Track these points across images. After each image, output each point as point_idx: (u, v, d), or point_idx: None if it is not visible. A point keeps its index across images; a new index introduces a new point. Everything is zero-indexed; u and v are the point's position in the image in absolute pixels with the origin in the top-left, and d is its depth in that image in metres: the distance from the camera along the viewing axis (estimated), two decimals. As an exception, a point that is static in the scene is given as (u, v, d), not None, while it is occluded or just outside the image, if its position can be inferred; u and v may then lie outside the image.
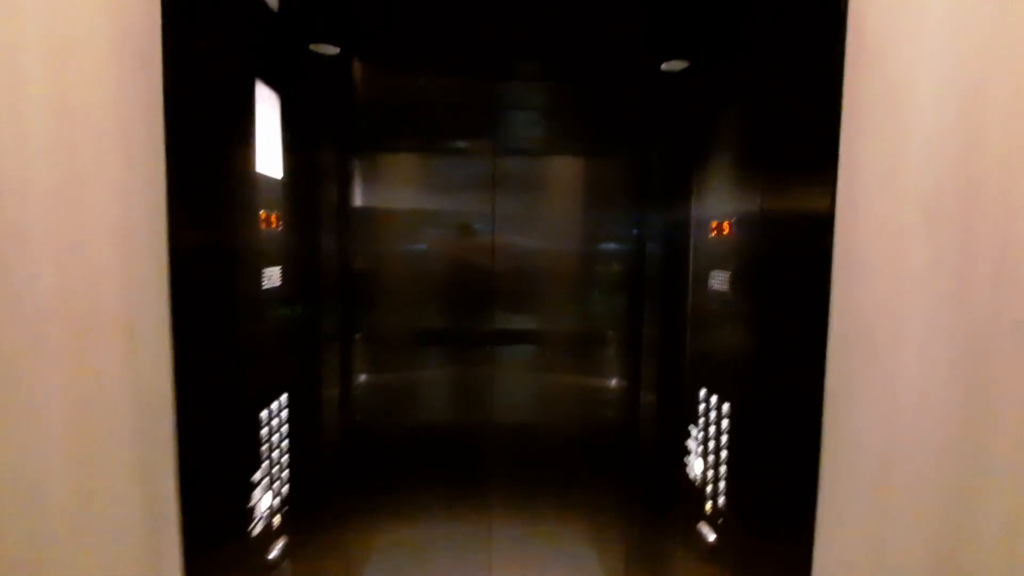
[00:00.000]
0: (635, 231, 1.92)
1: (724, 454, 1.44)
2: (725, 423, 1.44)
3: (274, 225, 1.34)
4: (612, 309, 2.00)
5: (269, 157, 1.30)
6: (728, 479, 1.43)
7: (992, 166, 0.83)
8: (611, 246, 1.99)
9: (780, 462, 1.19)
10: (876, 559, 0.96)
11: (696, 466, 1.59)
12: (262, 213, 1.27)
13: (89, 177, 0.77)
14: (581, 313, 2.02)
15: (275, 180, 1.35)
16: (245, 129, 1.17)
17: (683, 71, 1.58)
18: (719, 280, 1.48)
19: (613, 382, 2.03)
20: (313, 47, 1.44)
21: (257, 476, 1.25)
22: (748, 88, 1.37)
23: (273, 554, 1.31)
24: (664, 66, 1.55)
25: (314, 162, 1.69)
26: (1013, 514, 0.82)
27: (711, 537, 1.46)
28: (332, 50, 1.45)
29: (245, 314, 1.16)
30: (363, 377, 1.95)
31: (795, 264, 1.17)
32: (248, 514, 1.20)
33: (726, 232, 1.45)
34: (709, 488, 1.51)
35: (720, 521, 1.45)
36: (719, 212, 1.49)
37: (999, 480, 0.82)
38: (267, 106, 1.29)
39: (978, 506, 0.85)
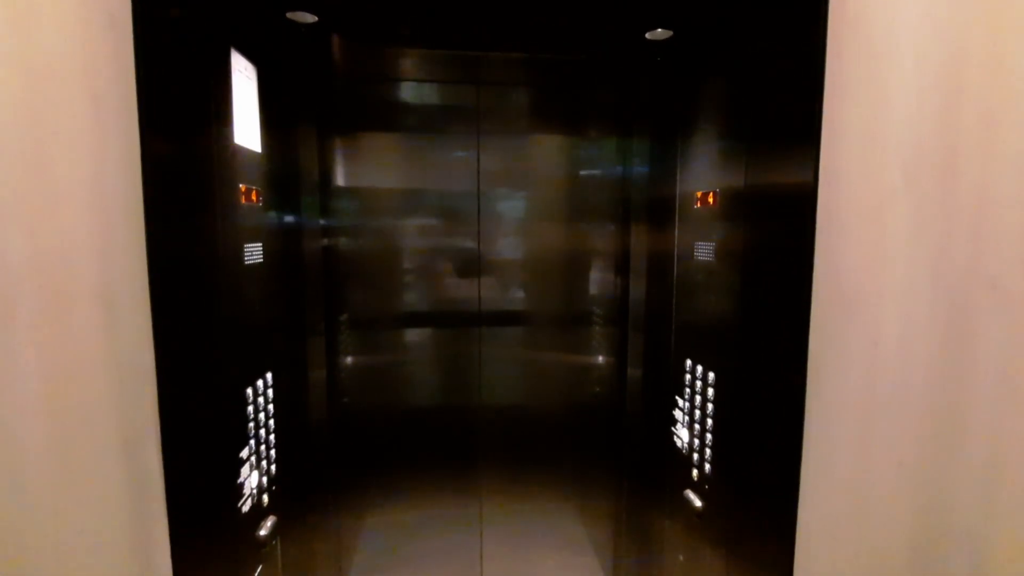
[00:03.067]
0: (621, 205, 1.92)
1: (709, 423, 1.47)
2: (710, 392, 1.47)
3: (254, 200, 1.32)
4: (598, 285, 2.01)
5: (247, 130, 1.27)
6: (713, 447, 1.45)
7: (970, 129, 0.84)
8: (596, 221, 1.98)
9: (764, 427, 1.21)
10: (859, 514, 0.99)
11: (683, 435, 1.62)
12: (242, 187, 1.24)
13: (59, 142, 0.74)
14: (568, 291, 2.03)
15: (254, 154, 1.32)
16: (221, 98, 1.13)
17: (668, 40, 1.57)
18: (704, 251, 1.49)
19: (600, 358, 2.04)
20: (290, 15, 1.39)
21: (244, 453, 1.24)
22: (732, 57, 1.37)
23: (263, 531, 1.30)
24: (648, 35, 1.53)
25: (294, 138, 1.66)
26: (990, 466, 0.85)
27: (698, 503, 1.49)
28: (310, 18, 1.41)
29: (226, 288, 1.14)
30: (349, 358, 1.94)
31: (779, 232, 1.18)
32: (237, 490, 1.19)
33: (711, 203, 1.45)
34: (695, 456, 1.54)
35: (706, 487, 1.48)
36: (704, 183, 1.49)
37: (977, 432, 0.85)
38: (244, 77, 1.25)
39: (957, 458, 0.87)
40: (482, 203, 1.89)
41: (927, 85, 0.87)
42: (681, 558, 1.63)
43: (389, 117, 1.89)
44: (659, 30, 1.51)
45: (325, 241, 1.79)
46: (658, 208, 1.79)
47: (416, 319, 1.96)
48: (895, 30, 0.90)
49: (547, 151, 1.97)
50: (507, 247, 1.95)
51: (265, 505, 1.35)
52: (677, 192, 1.66)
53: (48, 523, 0.75)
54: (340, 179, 1.85)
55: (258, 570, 1.30)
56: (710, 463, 1.47)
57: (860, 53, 0.96)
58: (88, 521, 0.80)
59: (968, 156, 0.84)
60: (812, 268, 1.04)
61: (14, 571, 0.70)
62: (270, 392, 1.40)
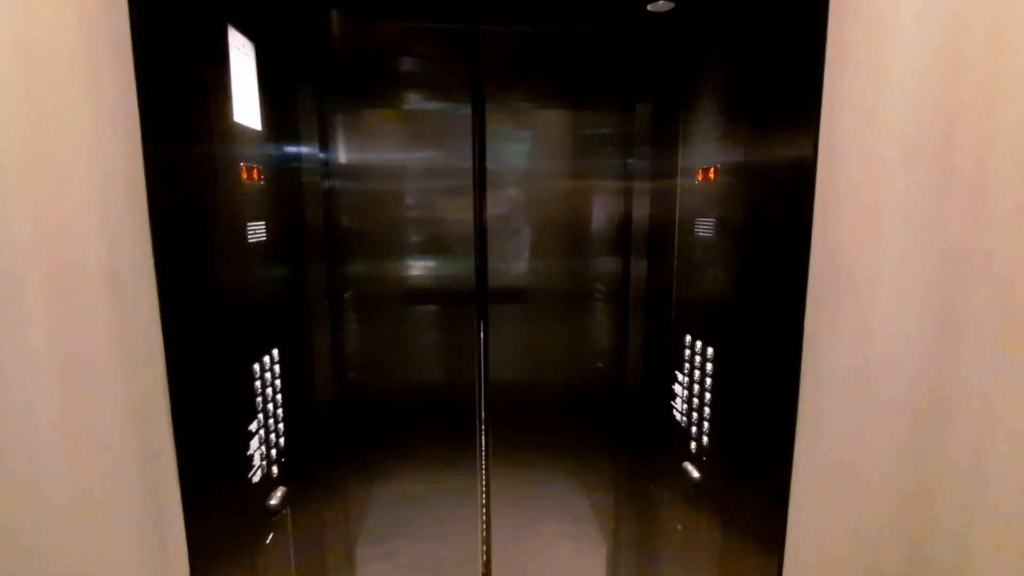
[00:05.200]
0: (622, 181, 1.92)
1: (708, 397, 1.49)
2: (709, 367, 1.48)
3: (256, 178, 1.32)
4: (599, 261, 2.02)
5: (247, 107, 1.27)
6: (711, 420, 1.48)
7: (969, 104, 0.83)
8: (597, 197, 1.98)
9: (760, 401, 1.23)
10: (850, 486, 1.01)
11: (682, 409, 1.64)
12: (243, 165, 1.25)
13: (59, 124, 0.75)
14: (569, 266, 2.03)
15: (255, 131, 1.32)
16: (219, 76, 1.13)
17: (669, 13, 1.54)
18: (704, 227, 1.49)
19: (602, 333, 2.06)
20: (286, -9, 1.38)
21: (253, 427, 1.27)
22: (733, 31, 1.34)
23: (273, 501, 1.35)
24: (650, 7, 1.51)
25: (294, 115, 1.66)
26: (979, 441, 0.86)
27: (696, 475, 1.52)
28: (307, -6, 1.40)
29: (231, 266, 1.16)
30: (355, 334, 1.97)
31: (777, 208, 1.18)
32: (246, 461, 1.23)
33: (712, 179, 1.45)
34: (694, 429, 1.57)
35: (704, 460, 1.51)
36: (705, 159, 1.48)
37: (967, 407, 0.86)
38: (242, 54, 1.25)
39: (947, 433, 0.89)
40: (482, 179, 1.88)
41: (927, 60, 0.86)
42: (679, 527, 1.67)
43: (389, 92, 1.87)
44: (660, 1, 1.48)
45: (328, 218, 1.80)
46: (659, 184, 1.78)
47: (420, 294, 1.98)
48: (896, 4, 0.89)
49: (547, 126, 1.96)
50: (508, 223, 1.96)
51: (275, 476, 1.40)
52: (678, 167, 1.65)
53: (64, 495, 0.78)
54: (342, 155, 1.85)
55: (269, 538, 1.35)
56: (708, 436, 1.49)
57: (861, 27, 0.94)
58: (103, 492, 0.83)
59: (966, 131, 0.83)
60: (809, 244, 1.05)
61: (32, 541, 0.74)
62: (277, 368, 1.43)
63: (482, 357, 2.01)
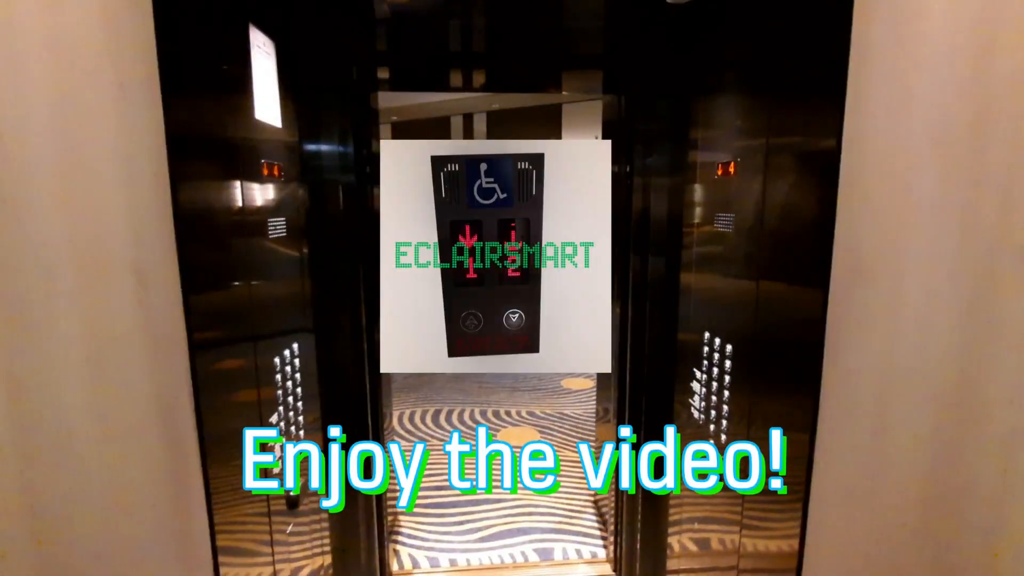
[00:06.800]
0: (639, 175, 1.89)
1: (726, 394, 1.47)
2: (727, 364, 1.46)
3: (276, 175, 1.35)
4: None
5: (268, 105, 1.29)
6: (730, 416, 1.46)
7: (1002, 91, 0.80)
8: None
9: (780, 396, 1.21)
10: (873, 483, 0.99)
11: (699, 406, 1.63)
12: (264, 163, 1.27)
13: (87, 121, 0.77)
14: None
15: (275, 128, 1.34)
16: (241, 74, 1.15)
17: (687, 5, 1.52)
18: (723, 222, 1.46)
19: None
20: (306, -12, 1.40)
21: (273, 419, 1.30)
22: (753, 20, 1.32)
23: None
24: (669, -1, 1.49)
25: (314, 111, 1.67)
26: (1008, 439, 0.84)
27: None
28: (325, -9, 1.41)
29: (252, 261, 1.18)
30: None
31: (799, 201, 1.15)
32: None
33: (731, 173, 1.42)
34: (712, 427, 1.55)
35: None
36: (724, 152, 1.46)
37: (996, 402, 0.83)
38: (263, 52, 1.27)
39: (975, 430, 0.87)
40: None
41: (958, 44, 0.83)
42: (696, 526, 1.65)
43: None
44: (679, -7, 1.46)
45: (348, 213, 1.82)
46: (677, 178, 1.76)
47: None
48: (926, -14, 0.86)
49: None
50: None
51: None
52: (697, 161, 1.63)
53: (94, 482, 0.80)
54: (360, 151, 1.86)
55: (290, 527, 1.38)
56: (726, 434, 1.48)
57: (888, 11, 0.92)
58: (130, 480, 0.85)
59: (998, 121, 0.81)
60: (832, 237, 1.02)
61: (64, 528, 0.76)
62: (297, 361, 1.46)
63: (628, 343, 1.94)
